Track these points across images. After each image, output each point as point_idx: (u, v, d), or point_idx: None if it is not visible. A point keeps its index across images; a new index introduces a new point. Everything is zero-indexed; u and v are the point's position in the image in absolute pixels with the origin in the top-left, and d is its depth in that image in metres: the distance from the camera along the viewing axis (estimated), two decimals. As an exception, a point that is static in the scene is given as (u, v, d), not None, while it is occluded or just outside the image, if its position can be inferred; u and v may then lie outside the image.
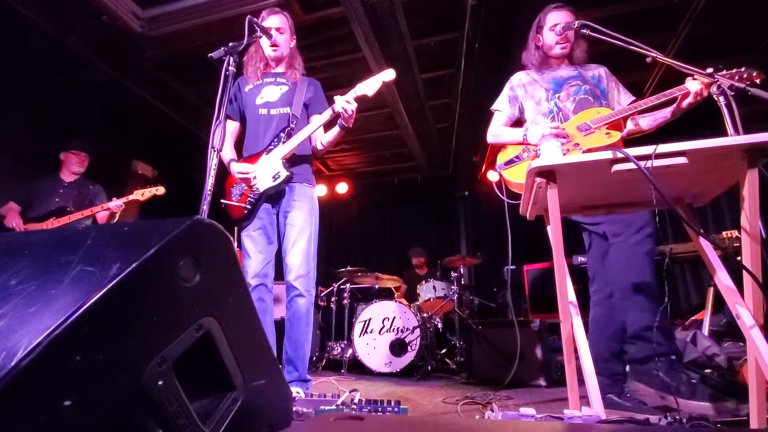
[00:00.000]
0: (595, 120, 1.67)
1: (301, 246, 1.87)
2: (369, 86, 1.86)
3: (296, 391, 1.73)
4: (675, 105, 1.65)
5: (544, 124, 1.75)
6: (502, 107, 1.99)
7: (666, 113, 1.74)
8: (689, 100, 1.59)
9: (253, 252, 1.88)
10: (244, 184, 1.92)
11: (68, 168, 3.07)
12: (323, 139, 2.02)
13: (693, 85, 1.56)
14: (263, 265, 1.88)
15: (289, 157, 1.91)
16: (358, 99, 1.84)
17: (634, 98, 1.89)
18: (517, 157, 1.80)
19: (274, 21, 1.99)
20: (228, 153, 2.00)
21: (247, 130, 2.04)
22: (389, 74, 1.89)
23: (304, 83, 2.04)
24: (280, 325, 1.93)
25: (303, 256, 1.86)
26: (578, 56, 1.96)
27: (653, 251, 1.72)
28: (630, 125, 1.84)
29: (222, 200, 1.94)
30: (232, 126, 2.09)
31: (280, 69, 2.07)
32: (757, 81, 1.36)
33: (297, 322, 1.83)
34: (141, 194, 2.92)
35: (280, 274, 1.93)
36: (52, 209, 2.90)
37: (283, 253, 1.91)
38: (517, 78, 1.99)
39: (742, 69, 1.38)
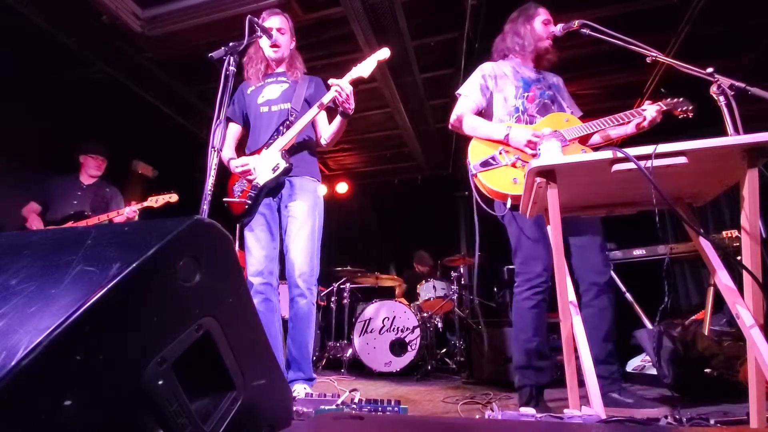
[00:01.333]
0: (569, 131, 1.67)
1: (302, 241, 1.83)
2: (364, 68, 1.87)
3: (303, 387, 1.73)
4: (636, 123, 1.73)
5: (527, 129, 1.69)
6: (471, 94, 1.87)
7: (630, 129, 1.79)
8: (644, 123, 1.69)
9: (256, 248, 1.86)
10: (245, 181, 1.91)
11: (86, 171, 3.14)
12: (327, 132, 2.01)
13: (649, 113, 1.67)
14: (266, 262, 1.86)
15: (290, 149, 1.90)
16: (354, 82, 1.84)
17: (581, 113, 1.94)
18: (492, 158, 1.68)
19: (275, 21, 2.00)
20: (228, 154, 2.00)
21: (251, 129, 2.05)
22: (383, 53, 1.90)
23: (305, 80, 2.04)
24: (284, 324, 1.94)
25: (305, 252, 1.83)
26: (547, 62, 1.95)
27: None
28: (597, 138, 1.90)
29: (224, 199, 1.93)
30: (234, 129, 2.10)
31: (281, 69, 2.08)
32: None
33: (299, 322, 1.82)
34: (155, 201, 2.99)
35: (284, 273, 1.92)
36: (70, 213, 2.95)
37: (284, 249, 1.89)
38: (489, 67, 1.91)
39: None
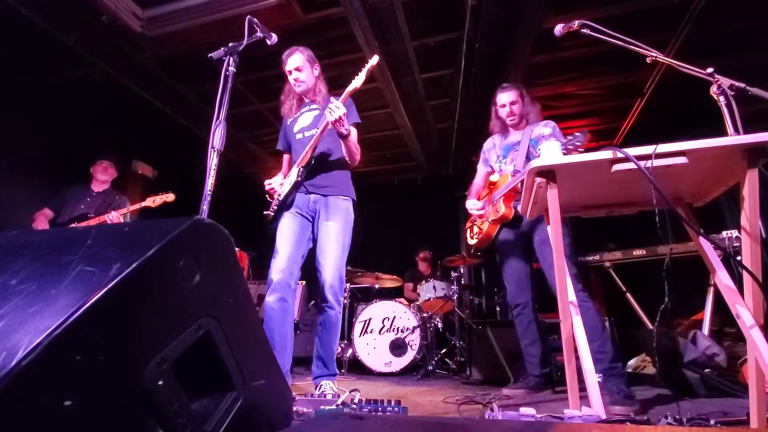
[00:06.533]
0: (497, 192, 2.13)
1: (333, 259, 2.00)
2: (358, 80, 1.96)
3: (330, 385, 1.92)
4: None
5: (473, 201, 2.42)
6: (479, 167, 2.56)
7: None
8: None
9: (282, 248, 2.01)
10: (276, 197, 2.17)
11: (95, 177, 3.24)
12: (344, 150, 2.16)
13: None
14: (289, 263, 1.98)
15: (318, 168, 2.12)
16: (350, 94, 1.97)
17: None
18: (470, 219, 2.54)
19: (293, 63, 2.13)
20: (278, 179, 2.23)
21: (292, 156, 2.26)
22: (373, 60, 1.99)
23: (327, 102, 2.14)
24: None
25: (335, 268, 2.00)
26: (531, 119, 2.33)
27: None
28: None
29: (264, 212, 2.23)
30: (286, 158, 2.34)
31: (311, 97, 2.25)
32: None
33: (328, 327, 2.02)
34: (152, 201, 3.08)
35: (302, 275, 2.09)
36: (75, 216, 3.03)
37: (316, 264, 2.03)
38: (486, 144, 2.54)
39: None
